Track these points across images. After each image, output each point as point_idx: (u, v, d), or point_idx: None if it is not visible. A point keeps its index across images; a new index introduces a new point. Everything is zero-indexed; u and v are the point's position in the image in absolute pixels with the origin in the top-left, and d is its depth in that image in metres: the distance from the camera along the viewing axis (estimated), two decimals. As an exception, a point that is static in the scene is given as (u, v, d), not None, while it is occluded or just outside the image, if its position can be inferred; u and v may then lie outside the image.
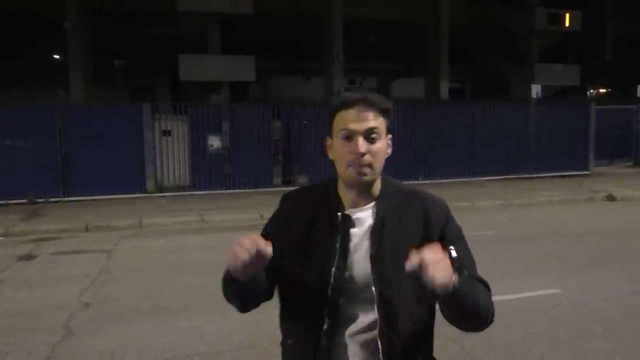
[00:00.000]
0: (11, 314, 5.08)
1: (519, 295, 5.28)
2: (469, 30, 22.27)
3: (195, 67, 17.59)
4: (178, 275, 6.25)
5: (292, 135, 13.15)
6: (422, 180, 14.05)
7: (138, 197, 11.94)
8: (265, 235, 1.52)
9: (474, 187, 13.27)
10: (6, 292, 5.85)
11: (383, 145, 1.50)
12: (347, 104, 1.47)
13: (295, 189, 1.68)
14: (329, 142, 1.54)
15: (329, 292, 1.45)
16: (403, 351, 1.45)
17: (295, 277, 1.50)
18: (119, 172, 11.88)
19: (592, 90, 25.99)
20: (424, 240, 1.44)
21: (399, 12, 21.29)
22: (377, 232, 1.47)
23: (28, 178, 11.27)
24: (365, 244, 1.47)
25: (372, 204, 1.52)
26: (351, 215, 1.50)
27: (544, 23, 21.58)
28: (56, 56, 20.51)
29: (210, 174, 12.71)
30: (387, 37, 23.73)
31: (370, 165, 1.45)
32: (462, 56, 22.99)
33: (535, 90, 20.64)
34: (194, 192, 12.40)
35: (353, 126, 1.45)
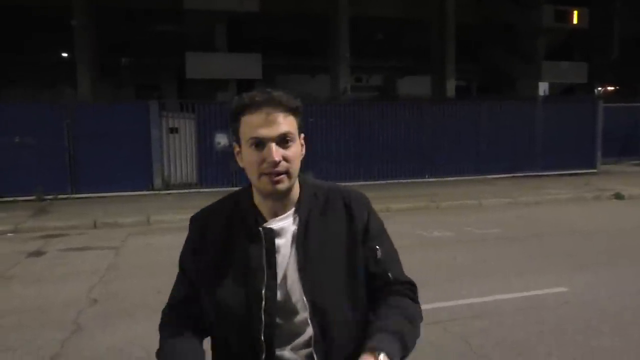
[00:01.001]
0: (20, 310, 5.12)
1: (526, 294, 5.27)
2: (475, 28, 22.22)
3: (202, 65, 17.64)
4: (185, 272, 6.27)
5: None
6: (428, 178, 14.04)
7: (145, 195, 11.99)
8: (182, 270, 1.52)
9: (480, 185, 13.24)
10: (15, 288, 5.89)
11: (297, 149, 1.37)
12: (251, 107, 1.32)
13: (203, 208, 1.52)
14: (237, 149, 1.41)
15: (262, 315, 1.33)
16: (340, 357, 1.36)
17: (220, 304, 1.36)
18: (126, 169, 11.94)
19: (599, 88, 25.86)
20: (349, 237, 1.41)
21: (405, 10, 21.26)
22: (301, 239, 1.37)
23: (36, 175, 11.34)
24: (293, 254, 1.37)
25: (293, 209, 1.41)
26: (273, 226, 1.38)
27: (551, 20, 21.49)
28: (63, 54, 20.59)
29: (217, 172, 12.74)
30: (393, 35, 23.69)
31: (286, 172, 1.33)
32: (468, 54, 22.94)
33: (542, 88, 20.55)
34: (201, 190, 12.44)
35: (263, 132, 1.31)
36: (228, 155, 12.81)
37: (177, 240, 7.23)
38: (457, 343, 4.10)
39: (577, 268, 6.26)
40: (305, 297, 1.34)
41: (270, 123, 1.31)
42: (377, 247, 1.42)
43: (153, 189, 12.28)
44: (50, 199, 11.31)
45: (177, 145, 12.73)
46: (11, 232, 8.82)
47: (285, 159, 1.32)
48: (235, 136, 1.40)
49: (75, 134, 11.80)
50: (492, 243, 7.65)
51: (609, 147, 16.29)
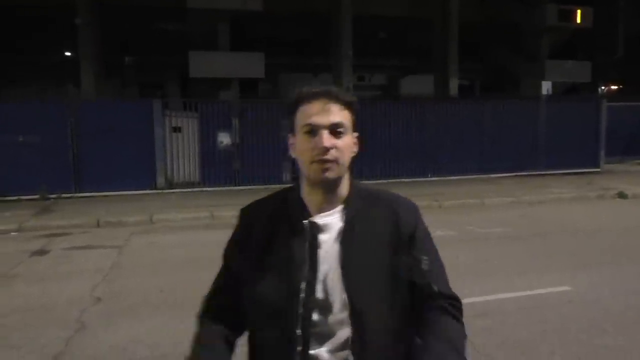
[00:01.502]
0: (24, 309, 5.15)
1: (529, 293, 5.27)
2: (478, 27, 22.14)
3: (205, 64, 17.63)
4: (188, 271, 6.29)
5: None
6: (431, 177, 14.04)
7: (148, 193, 12.02)
8: (225, 261, 1.53)
9: (483, 185, 13.22)
10: (19, 287, 5.92)
11: (349, 141, 1.40)
12: (309, 98, 1.38)
13: (252, 202, 1.54)
14: (291, 140, 1.43)
15: (300, 309, 1.34)
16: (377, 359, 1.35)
17: (262, 295, 1.38)
18: (129, 168, 11.97)
19: (603, 87, 25.78)
20: (393, 242, 1.39)
21: (408, 9, 21.21)
22: (347, 237, 1.38)
23: (40, 174, 11.38)
24: (336, 251, 1.37)
25: (340, 207, 1.42)
26: (318, 220, 1.40)
27: (555, 19, 21.39)
28: (67, 53, 20.62)
29: (220, 171, 12.77)
30: (396, 34, 23.64)
31: (336, 161, 1.35)
32: (471, 53, 22.88)
33: (546, 87, 20.51)
34: (204, 189, 12.47)
35: (317, 120, 1.35)
36: (231, 154, 12.86)
37: (180, 239, 7.28)
38: (460, 342, 4.10)
39: (580, 267, 6.26)
40: (346, 295, 1.34)
41: (325, 112, 1.36)
42: (424, 257, 1.41)
43: (156, 188, 12.31)
44: (53, 198, 11.34)
45: (180, 144, 12.76)
46: (15, 231, 8.86)
47: (336, 147, 1.35)
48: (290, 127, 1.42)
49: (79, 132, 11.83)
50: (495, 242, 7.64)
51: (612, 146, 16.26)
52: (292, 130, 1.42)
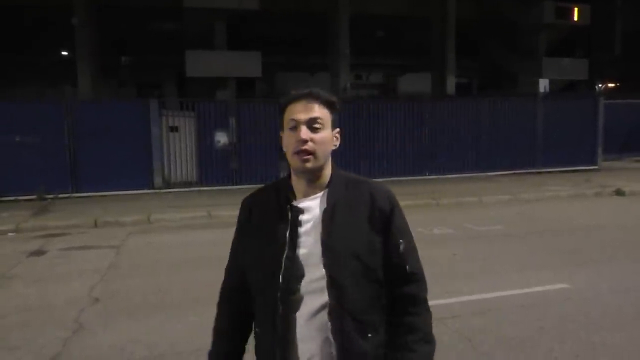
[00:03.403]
0: (22, 309, 5.14)
1: (527, 290, 5.27)
2: (475, 25, 22.17)
3: (201, 63, 17.62)
4: (186, 271, 6.29)
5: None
6: (428, 175, 14.04)
7: (145, 193, 12.00)
8: (233, 247, 1.76)
9: (481, 182, 13.23)
10: (17, 287, 5.90)
11: (327, 136, 1.58)
12: (295, 99, 1.59)
13: (252, 192, 1.78)
14: (281, 136, 1.64)
15: (280, 280, 1.54)
16: (353, 327, 1.53)
17: (254, 268, 1.63)
18: (126, 168, 11.94)
19: (600, 85, 25.82)
20: (370, 223, 1.58)
21: (405, 7, 21.21)
22: (327, 217, 1.56)
23: (37, 174, 11.34)
24: (317, 230, 1.55)
25: (322, 192, 1.61)
26: (300, 203, 1.59)
27: (552, 17, 21.43)
28: (63, 52, 20.58)
29: (217, 170, 12.75)
30: (393, 32, 23.63)
31: (313, 153, 1.54)
32: (469, 50, 22.89)
33: (543, 84, 20.51)
34: (201, 188, 12.45)
35: (298, 116, 1.56)
36: (228, 153, 12.84)
37: (177, 239, 7.26)
38: (458, 340, 4.10)
39: (578, 264, 6.27)
40: (325, 270, 1.52)
41: (306, 110, 1.57)
42: (401, 240, 1.61)
43: (153, 188, 12.29)
44: (51, 198, 11.32)
45: (177, 143, 12.73)
46: (12, 231, 8.83)
47: (313, 140, 1.54)
48: (280, 125, 1.64)
49: (75, 132, 11.79)
50: (493, 240, 7.65)
51: (610, 143, 16.28)
52: (282, 127, 1.64)
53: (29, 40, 19.53)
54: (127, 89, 21.52)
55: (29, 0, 17.76)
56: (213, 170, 12.75)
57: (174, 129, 12.70)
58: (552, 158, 15.09)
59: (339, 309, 1.51)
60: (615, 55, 25.18)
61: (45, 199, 11.26)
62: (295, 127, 1.56)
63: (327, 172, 1.63)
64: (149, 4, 18.50)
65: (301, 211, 1.58)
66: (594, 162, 15.51)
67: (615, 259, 6.54)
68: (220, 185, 12.60)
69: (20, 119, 11.48)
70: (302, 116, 1.56)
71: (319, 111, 1.57)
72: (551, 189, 12.05)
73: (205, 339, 4.56)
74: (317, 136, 1.55)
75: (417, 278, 1.64)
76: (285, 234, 1.56)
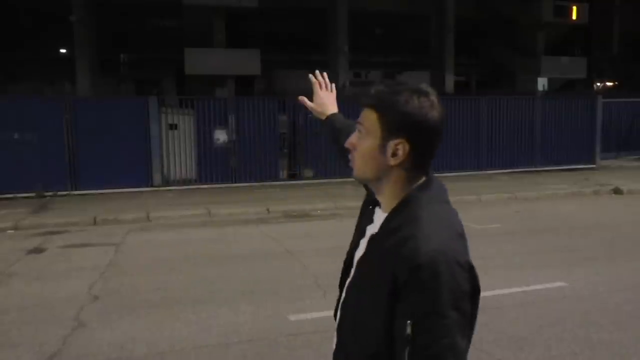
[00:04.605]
0: (22, 307, 5.15)
1: (526, 288, 5.29)
2: (474, 23, 22.18)
3: (200, 61, 17.62)
4: (185, 268, 6.30)
5: (298, 129, 13.18)
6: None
7: (145, 191, 11.99)
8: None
9: (479, 181, 13.25)
10: (16, 285, 5.91)
11: (367, 145, 1.31)
12: None
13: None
14: None
15: (344, 269, 1.51)
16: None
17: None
18: (125, 165, 11.93)
19: (599, 83, 25.85)
20: (391, 283, 1.22)
21: (404, 4, 21.22)
22: (366, 251, 1.36)
23: (36, 172, 11.32)
24: (363, 246, 1.39)
25: (385, 215, 1.34)
26: (376, 214, 1.40)
27: (551, 15, 21.46)
28: (62, 50, 20.56)
29: (216, 168, 12.75)
30: (392, 30, 23.64)
31: (353, 161, 1.37)
32: (467, 49, 22.92)
33: (542, 83, 20.55)
34: (201, 186, 12.44)
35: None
36: (227, 151, 12.84)
37: (176, 237, 7.29)
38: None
39: (576, 263, 6.29)
40: (339, 312, 1.48)
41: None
42: (409, 322, 1.17)
43: (153, 186, 12.28)
44: (50, 196, 11.31)
45: (176, 141, 12.72)
46: (11, 229, 8.83)
47: (352, 145, 1.36)
48: None
49: (74, 129, 11.78)
50: (492, 238, 7.66)
51: (608, 142, 16.30)
52: None
53: (28, 37, 19.50)
54: (126, 86, 21.50)
55: (28, -2, 17.76)
56: (212, 168, 12.74)
57: (173, 126, 12.69)
58: (551, 156, 15.12)
59: (342, 333, 1.45)
60: (613, 54, 25.21)
61: (44, 196, 11.25)
62: None
63: (390, 192, 1.34)
64: (148, 1, 18.49)
65: (371, 221, 1.41)
66: (592, 161, 15.53)
67: (613, 257, 6.57)
68: (219, 183, 12.60)
69: (19, 116, 11.44)
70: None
71: (363, 114, 1.33)
72: (549, 188, 12.07)
73: (205, 337, 4.58)
74: (354, 141, 1.35)
75: None
76: (357, 239, 1.46)
